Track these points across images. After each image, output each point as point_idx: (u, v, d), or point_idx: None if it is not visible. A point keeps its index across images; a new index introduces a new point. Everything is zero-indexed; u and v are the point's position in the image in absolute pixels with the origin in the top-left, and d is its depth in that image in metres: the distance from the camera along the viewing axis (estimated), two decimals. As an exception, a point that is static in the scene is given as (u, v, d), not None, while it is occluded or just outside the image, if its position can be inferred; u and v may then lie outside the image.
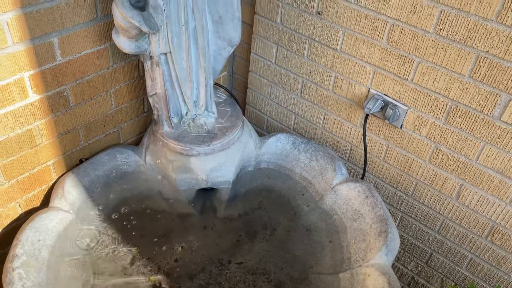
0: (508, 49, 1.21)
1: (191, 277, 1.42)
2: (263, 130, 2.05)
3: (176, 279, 1.41)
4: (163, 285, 1.39)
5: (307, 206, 1.65)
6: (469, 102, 1.35)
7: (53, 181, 1.56)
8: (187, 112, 1.58)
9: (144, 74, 1.63)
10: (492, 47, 1.23)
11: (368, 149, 1.68)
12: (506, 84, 1.25)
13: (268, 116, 1.99)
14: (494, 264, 1.53)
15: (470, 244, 1.56)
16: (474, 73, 1.30)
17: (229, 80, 2.12)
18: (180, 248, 1.51)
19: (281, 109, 1.92)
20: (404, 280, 1.83)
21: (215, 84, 1.86)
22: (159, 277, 1.41)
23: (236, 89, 2.15)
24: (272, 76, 1.86)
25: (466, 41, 1.27)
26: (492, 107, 1.31)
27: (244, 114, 2.05)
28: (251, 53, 1.88)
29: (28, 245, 1.31)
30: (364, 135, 1.62)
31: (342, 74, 1.62)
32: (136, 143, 1.79)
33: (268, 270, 1.46)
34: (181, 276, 1.42)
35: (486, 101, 1.31)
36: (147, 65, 1.42)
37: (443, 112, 1.42)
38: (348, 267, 1.40)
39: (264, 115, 2.01)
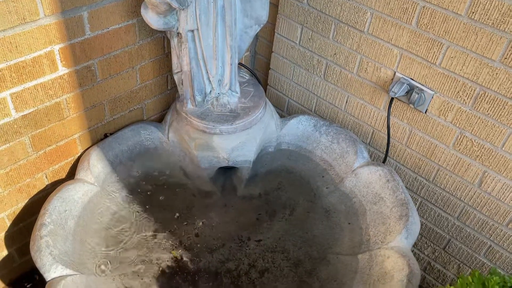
0: (542, 34, 1.18)
1: (211, 252, 1.45)
2: (284, 112, 2.05)
3: (196, 254, 1.45)
4: (184, 258, 1.42)
5: (327, 188, 1.66)
6: (498, 88, 1.33)
7: (79, 154, 1.59)
8: (211, 91, 1.59)
9: (169, 52, 1.64)
10: (526, 32, 1.21)
11: (390, 133, 1.67)
12: (538, 70, 1.23)
13: (290, 98, 1.99)
14: (513, 252, 1.53)
15: (490, 232, 1.56)
16: (505, 58, 1.28)
17: (251, 60, 2.12)
18: (200, 224, 1.54)
19: (303, 91, 1.91)
20: (420, 265, 1.84)
21: (239, 64, 1.86)
22: (180, 251, 1.44)
23: (258, 70, 2.14)
24: (295, 57, 1.85)
25: (499, 25, 1.25)
26: (521, 93, 1.29)
27: (265, 95, 2.05)
28: (275, 34, 1.87)
29: (55, 214, 1.34)
30: (388, 118, 1.62)
31: (368, 56, 1.61)
32: (159, 120, 1.81)
33: (286, 249, 1.48)
34: (202, 251, 1.45)
35: (516, 87, 1.29)
36: (174, 42, 1.43)
37: (470, 98, 1.40)
38: (367, 249, 1.41)
39: (286, 97, 2.01)
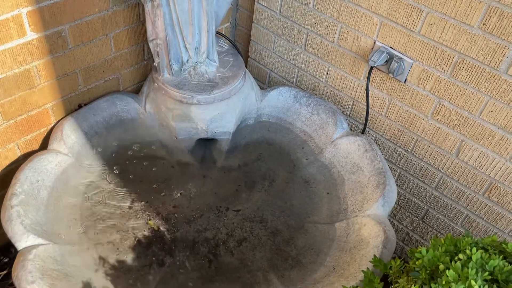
0: (520, -1, 1.17)
1: (189, 223, 1.44)
2: (265, 84, 2.03)
3: (174, 224, 1.43)
4: (161, 229, 1.41)
5: (307, 159, 1.65)
6: (476, 55, 1.32)
7: (52, 124, 1.55)
8: (188, 59, 1.55)
9: (144, 19, 1.59)
10: (504, -4, 1.20)
11: (370, 104, 1.66)
12: (516, 36, 1.22)
13: (271, 70, 1.96)
14: (489, 221, 1.55)
15: (467, 201, 1.57)
16: (483, 24, 1.26)
17: (232, 32, 2.07)
18: (178, 195, 1.52)
19: (284, 62, 1.88)
20: (399, 236, 1.86)
21: (218, 33, 1.82)
22: (157, 221, 1.43)
23: (239, 42, 2.10)
24: (276, 27, 1.81)
25: (478, -11, 1.23)
26: (499, 60, 1.28)
27: (246, 67, 2.01)
28: (255, 3, 1.83)
29: (27, 184, 1.31)
30: (367, 88, 1.60)
31: (348, 25, 1.58)
32: (136, 91, 1.77)
33: (265, 218, 1.48)
34: (179, 221, 1.44)
35: (494, 53, 1.28)
36: (148, 7, 1.39)
37: (449, 66, 1.39)
38: (344, 217, 1.41)
39: (267, 69, 1.98)
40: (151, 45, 1.50)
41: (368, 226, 1.31)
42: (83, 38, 1.46)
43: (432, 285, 0.78)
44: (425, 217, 1.73)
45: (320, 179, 1.58)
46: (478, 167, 1.49)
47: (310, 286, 1.23)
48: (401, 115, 1.60)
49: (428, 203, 1.69)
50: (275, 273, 1.31)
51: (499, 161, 1.43)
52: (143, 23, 1.61)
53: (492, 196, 1.50)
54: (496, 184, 1.47)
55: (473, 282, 0.75)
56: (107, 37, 1.53)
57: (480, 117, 1.40)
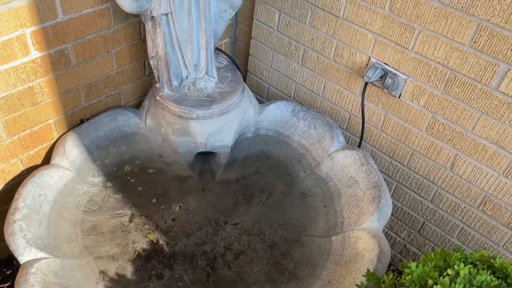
0: (509, 18, 1.20)
1: (188, 236, 1.47)
2: (264, 98, 2.06)
3: (173, 237, 1.46)
4: (160, 242, 1.44)
5: (304, 172, 1.68)
6: (468, 71, 1.35)
7: (55, 139, 1.59)
8: (187, 76, 1.59)
9: (145, 36, 1.63)
10: (493, 16, 1.23)
11: (366, 118, 1.69)
12: (506, 54, 1.25)
13: (269, 84, 2.00)
14: (484, 234, 1.57)
15: (462, 214, 1.59)
16: (474, 42, 1.30)
17: (231, 47, 2.12)
18: (177, 208, 1.55)
19: (282, 77, 1.92)
20: (396, 248, 1.88)
21: (217, 49, 1.86)
22: (156, 234, 1.45)
23: (238, 56, 2.14)
24: (274, 43, 1.85)
25: (468, 9, 1.27)
26: (490, 77, 1.31)
27: (245, 82, 2.05)
28: (254, 19, 1.87)
29: (30, 199, 1.34)
30: (362, 103, 1.63)
31: (343, 42, 1.62)
32: (137, 106, 1.80)
33: (262, 231, 1.50)
34: (178, 235, 1.47)
35: (484, 71, 1.31)
36: (148, 26, 1.43)
37: (442, 82, 1.42)
38: (341, 231, 1.44)
39: (265, 83, 2.02)
40: (151, 61, 1.54)
41: (363, 239, 1.33)
42: (86, 55, 1.50)
43: (421, 300, 0.81)
44: (421, 230, 1.75)
45: (317, 192, 1.61)
46: (472, 181, 1.51)
47: (306, 299, 1.25)
48: (397, 129, 1.62)
49: (425, 215, 1.71)
50: (272, 287, 1.33)
51: (492, 175, 1.45)
52: (144, 40, 1.65)
53: (487, 209, 1.52)
54: (490, 197, 1.49)
55: (459, 298, 0.77)
56: (109, 54, 1.57)
57: (473, 132, 1.43)
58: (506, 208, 1.47)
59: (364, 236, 1.34)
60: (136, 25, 1.60)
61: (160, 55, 1.48)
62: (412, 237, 1.80)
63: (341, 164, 1.60)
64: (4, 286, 1.64)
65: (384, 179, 1.74)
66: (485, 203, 1.51)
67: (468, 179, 1.51)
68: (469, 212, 1.57)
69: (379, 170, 1.73)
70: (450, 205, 1.61)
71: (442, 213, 1.65)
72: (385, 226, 1.87)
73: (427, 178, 1.63)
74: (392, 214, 1.82)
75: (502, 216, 1.49)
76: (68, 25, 1.38)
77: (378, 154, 1.73)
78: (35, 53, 1.35)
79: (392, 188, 1.76)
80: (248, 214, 1.55)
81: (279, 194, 1.63)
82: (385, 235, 1.89)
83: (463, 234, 1.62)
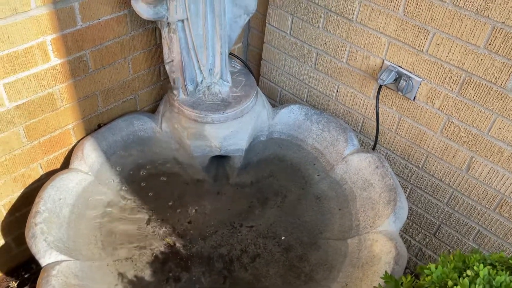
0: (525, 20, 1.21)
1: (204, 238, 1.48)
2: (277, 102, 2.08)
3: (189, 240, 1.47)
4: (177, 245, 1.45)
5: (318, 175, 1.69)
6: (483, 74, 1.35)
7: (73, 144, 1.62)
8: (202, 80, 1.61)
9: (161, 42, 1.66)
10: (508, 18, 1.23)
11: (380, 121, 1.69)
12: (521, 55, 1.25)
13: (282, 88, 2.01)
14: (501, 236, 1.56)
15: (478, 216, 1.58)
16: (489, 44, 1.30)
17: (244, 51, 2.14)
18: (193, 211, 1.57)
19: (294, 81, 1.93)
20: (412, 251, 1.87)
21: (230, 54, 1.88)
22: (173, 237, 1.47)
23: (251, 61, 2.16)
24: (287, 47, 1.87)
25: (483, 11, 1.27)
26: (506, 79, 1.31)
27: (258, 86, 2.07)
28: (266, 24, 1.89)
29: (50, 202, 1.37)
30: (376, 106, 1.64)
31: (357, 45, 1.63)
32: (152, 111, 1.83)
33: (278, 234, 1.51)
34: (195, 237, 1.48)
35: (500, 72, 1.31)
36: (164, 32, 1.45)
37: (457, 84, 1.42)
38: (357, 234, 1.44)
39: (278, 87, 2.03)
40: (167, 67, 1.56)
41: (380, 242, 1.33)
42: (103, 62, 1.53)
43: (441, 301, 0.81)
44: (437, 233, 1.74)
45: (331, 196, 1.61)
46: (488, 183, 1.50)
47: (323, 301, 1.26)
48: (411, 132, 1.63)
49: (440, 218, 1.70)
50: (289, 289, 1.34)
51: (508, 177, 1.44)
52: (159, 46, 1.68)
53: (503, 211, 1.51)
54: (507, 200, 1.48)
55: (480, 299, 0.77)
56: (126, 60, 1.60)
57: (489, 134, 1.42)
58: (523, 210, 1.46)
59: (380, 239, 1.34)
60: (152, 32, 1.62)
61: (176, 60, 1.51)
62: (427, 240, 1.79)
63: (355, 167, 1.60)
64: (23, 289, 1.67)
65: (399, 182, 1.74)
66: (502, 205, 1.50)
67: (484, 181, 1.51)
68: (485, 214, 1.56)
69: (394, 173, 1.73)
70: (466, 208, 1.60)
71: (458, 216, 1.64)
72: (400, 229, 1.86)
73: (442, 180, 1.62)
74: (407, 217, 1.81)
75: (519, 219, 1.48)
76: (87, 32, 1.41)
77: (393, 157, 1.73)
78: (55, 60, 1.38)
79: (407, 191, 1.75)
80: (263, 217, 1.56)
81: (293, 197, 1.64)
82: (400, 237, 1.88)
83: (480, 236, 1.62)
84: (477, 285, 0.81)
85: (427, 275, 0.88)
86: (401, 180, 1.75)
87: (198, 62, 1.53)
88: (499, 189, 1.48)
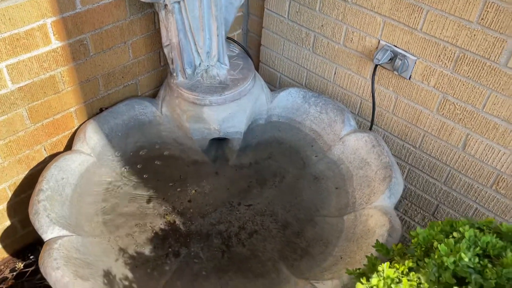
0: (515, -7, 1.21)
1: (203, 216, 1.51)
2: (276, 87, 2.10)
3: (189, 218, 1.51)
4: (177, 222, 1.48)
5: (316, 156, 1.71)
6: (476, 49, 1.36)
7: (76, 127, 1.66)
8: (200, 63, 1.64)
9: (160, 27, 1.69)
10: (500, -9, 1.24)
11: (377, 102, 1.71)
12: (513, 29, 1.26)
13: (281, 73, 2.04)
14: (498, 214, 1.57)
15: (476, 194, 1.59)
16: (481, 19, 1.31)
17: (244, 38, 2.16)
18: (193, 191, 1.60)
19: (293, 65, 1.95)
20: (411, 232, 1.88)
21: (229, 38, 1.91)
22: (173, 215, 1.50)
23: (251, 47, 2.19)
24: (285, 31, 1.89)
25: (474, -14, 1.28)
26: (499, 53, 1.32)
27: (258, 72, 2.09)
28: (265, 9, 1.91)
29: (53, 181, 1.41)
30: (372, 86, 1.65)
31: (353, 26, 1.64)
32: (153, 96, 1.86)
33: (275, 212, 1.53)
34: (194, 215, 1.51)
35: (493, 47, 1.32)
36: (162, 14, 1.48)
37: (451, 61, 1.44)
38: (353, 210, 1.46)
39: (277, 72, 2.05)
40: (165, 50, 1.59)
41: (374, 217, 1.35)
42: (103, 46, 1.56)
43: (426, 259, 0.83)
44: (436, 212, 1.76)
45: (329, 175, 1.63)
46: (484, 160, 1.51)
47: (318, 274, 1.28)
48: (408, 112, 1.64)
49: (438, 198, 1.72)
50: (285, 263, 1.36)
51: (504, 153, 1.45)
52: (158, 31, 1.71)
53: (500, 188, 1.52)
54: (503, 176, 1.49)
55: (463, 255, 0.79)
56: (126, 44, 1.63)
57: (484, 110, 1.43)
58: (520, 186, 1.47)
59: (375, 214, 1.36)
60: (151, 16, 1.66)
61: (173, 43, 1.54)
62: (426, 221, 1.80)
63: (352, 147, 1.62)
64: (29, 270, 1.72)
65: (397, 163, 1.75)
66: (498, 182, 1.51)
67: (481, 158, 1.52)
68: (482, 192, 1.57)
69: (391, 153, 1.75)
70: (464, 186, 1.61)
71: (455, 195, 1.65)
72: (399, 211, 1.88)
73: (439, 159, 1.64)
74: (405, 198, 1.83)
75: (516, 195, 1.49)
76: (86, 15, 1.45)
77: (390, 137, 1.75)
78: (55, 43, 1.42)
79: (405, 171, 1.77)
80: (261, 196, 1.59)
81: (291, 177, 1.66)
82: (399, 219, 1.90)
83: (478, 214, 1.62)
84: (462, 244, 0.83)
85: (414, 237, 0.90)
86: (399, 160, 1.76)
87: (196, 44, 1.56)
88: (495, 166, 1.49)
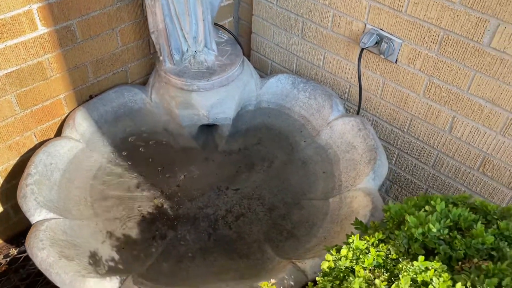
0: (496, -28, 1.21)
1: (191, 200, 1.53)
2: (268, 75, 2.10)
3: (177, 202, 1.52)
4: (164, 206, 1.50)
5: (304, 141, 1.71)
6: (460, 30, 1.36)
7: (65, 114, 1.67)
8: (187, 49, 1.65)
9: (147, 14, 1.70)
10: (481, -29, 1.24)
11: (365, 86, 1.71)
12: (495, 9, 1.26)
13: (272, 60, 2.04)
14: (486, 196, 1.57)
15: (463, 177, 1.60)
16: (464, -1, 1.31)
17: (235, 26, 2.17)
18: (182, 176, 1.61)
19: (283, 52, 1.96)
20: (401, 217, 1.89)
21: (218, 25, 1.92)
22: (161, 200, 1.52)
23: (242, 35, 2.19)
24: (274, 18, 1.89)
25: (456, -34, 1.28)
26: (481, 33, 1.32)
27: (249, 60, 2.10)
28: (254, -4, 1.92)
29: (41, 166, 1.43)
30: (358, 69, 1.66)
31: (340, 10, 1.64)
32: (143, 84, 1.87)
33: (263, 196, 1.55)
34: (182, 199, 1.53)
35: (476, 28, 1.32)
36: (147, 0, 1.49)
37: (436, 43, 1.44)
38: (338, 193, 1.47)
39: (268, 60, 2.06)
40: (153, 37, 1.60)
41: (358, 198, 1.36)
42: (91, 32, 1.58)
43: (396, 231, 0.84)
44: (424, 197, 1.76)
45: (317, 160, 1.64)
46: (471, 142, 1.51)
47: (302, 254, 1.29)
48: (395, 95, 1.64)
49: (427, 182, 1.72)
50: (270, 244, 1.38)
51: (490, 135, 1.45)
52: (146, 18, 1.72)
53: (487, 170, 1.52)
54: (489, 158, 1.49)
55: (431, 226, 0.80)
56: (114, 31, 1.65)
57: (469, 91, 1.44)
58: (506, 168, 1.47)
59: (359, 195, 1.37)
60: (138, 3, 1.67)
61: (160, 28, 1.55)
62: (416, 205, 1.81)
63: (339, 131, 1.63)
64: (22, 256, 1.74)
65: (385, 148, 1.76)
66: (485, 164, 1.51)
67: (467, 140, 1.52)
68: (469, 174, 1.57)
69: (380, 138, 1.75)
70: (451, 169, 1.62)
71: (443, 178, 1.66)
72: (389, 196, 1.89)
73: (427, 143, 1.64)
74: (395, 183, 1.84)
75: (502, 177, 1.49)
76: (73, 1, 1.46)
77: (379, 122, 1.75)
78: (42, 29, 1.43)
79: (394, 156, 1.77)
80: (249, 181, 1.60)
81: (280, 162, 1.67)
82: (386, 202, 1.90)
83: (465, 198, 1.62)
84: (432, 216, 0.83)
85: (386, 211, 0.91)
86: (388, 145, 1.77)
87: (182, 29, 1.57)
88: (481, 148, 1.50)
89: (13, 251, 1.75)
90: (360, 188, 1.39)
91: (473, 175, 1.57)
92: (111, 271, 1.24)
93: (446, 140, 1.58)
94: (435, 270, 0.74)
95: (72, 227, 1.33)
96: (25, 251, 1.77)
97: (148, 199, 1.52)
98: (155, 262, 1.32)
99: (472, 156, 1.54)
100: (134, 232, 1.41)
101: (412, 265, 0.75)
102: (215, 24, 1.84)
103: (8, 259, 1.73)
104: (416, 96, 1.58)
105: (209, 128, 1.75)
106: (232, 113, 1.71)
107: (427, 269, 0.74)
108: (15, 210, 1.71)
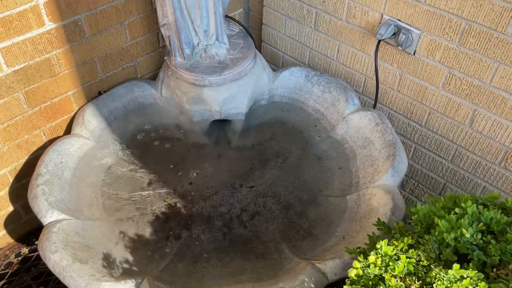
0: (524, -42, 1.15)
1: (205, 199, 1.49)
2: (279, 67, 2.05)
3: (190, 201, 1.49)
4: (178, 205, 1.47)
5: (319, 136, 1.67)
6: (483, 20, 1.30)
7: (74, 111, 1.64)
8: (198, 42, 1.61)
9: (156, 6, 1.65)
10: (508, -43, 1.18)
11: (381, 79, 1.66)
12: (522, -3, 1.20)
13: (284, 52, 1.99)
14: (507, 191, 1.52)
15: (484, 172, 1.55)
16: (489, -13, 1.25)
17: (245, 17, 2.11)
18: (195, 174, 1.58)
19: (295, 44, 1.91)
20: (417, 212, 1.84)
21: (228, 17, 1.86)
22: (174, 198, 1.49)
23: (252, 27, 2.14)
24: (286, 9, 1.84)
25: (481, -48, 1.22)
26: (506, 23, 1.26)
27: (260, 52, 2.05)
28: (265, -14, 1.86)
29: (51, 165, 1.40)
30: (375, 62, 1.60)
31: (355, 1, 1.59)
32: (153, 78, 1.83)
33: (278, 193, 1.51)
34: (195, 198, 1.50)
35: (500, 17, 1.26)
36: (157, -8, 1.44)
37: (457, 34, 1.38)
38: (356, 190, 1.43)
39: (280, 52, 2.01)
40: (162, 30, 1.56)
41: (377, 196, 1.32)
42: (99, 27, 1.53)
43: (426, 236, 0.80)
44: (443, 192, 1.72)
45: (332, 155, 1.60)
46: (492, 136, 1.46)
47: (320, 254, 1.26)
48: (413, 88, 1.59)
49: (445, 177, 1.67)
50: (287, 244, 1.34)
51: (513, 128, 1.40)
52: (155, 11, 1.67)
53: (509, 165, 1.47)
54: (512, 152, 1.44)
55: (464, 231, 0.76)
56: (122, 25, 1.60)
57: (491, 84, 1.38)
58: (529, 162, 1.42)
59: (378, 193, 1.33)
60: (147, -4, 1.62)
61: (170, 22, 1.50)
62: (433, 200, 1.76)
63: (356, 125, 1.58)
64: (33, 255, 1.73)
65: (402, 141, 1.71)
66: (507, 159, 1.46)
67: (488, 134, 1.47)
68: (490, 169, 1.53)
69: (396, 131, 1.70)
70: (471, 164, 1.57)
71: (463, 173, 1.61)
72: (405, 190, 1.84)
73: (446, 137, 1.59)
74: (412, 178, 1.79)
75: (525, 171, 1.44)
76: (80, -4, 1.42)
77: (395, 116, 1.70)
78: (49, 24, 1.39)
79: (410, 150, 1.72)
80: (263, 178, 1.57)
81: (294, 158, 1.63)
82: (406, 199, 1.86)
83: (486, 193, 1.58)
84: (464, 220, 0.79)
85: (414, 214, 0.87)
86: (405, 139, 1.72)
87: (193, 22, 1.52)
88: (503, 142, 1.44)
89: (25, 250, 1.74)
90: (379, 185, 1.35)
91: (494, 170, 1.52)
92: (126, 274, 1.21)
93: (466, 134, 1.53)
94: (470, 279, 0.70)
95: (85, 228, 1.31)
96: (36, 250, 1.75)
97: (160, 198, 1.49)
98: (170, 263, 1.29)
99: (493, 150, 1.48)
100: (147, 232, 1.38)
101: (446, 273, 0.71)
102: (225, 16, 1.79)
103: (20, 258, 1.71)
104: (435, 89, 1.53)
105: (221, 124, 1.71)
106: (245, 108, 1.67)
107: (462, 277, 0.70)
108: (26, 209, 1.69)
